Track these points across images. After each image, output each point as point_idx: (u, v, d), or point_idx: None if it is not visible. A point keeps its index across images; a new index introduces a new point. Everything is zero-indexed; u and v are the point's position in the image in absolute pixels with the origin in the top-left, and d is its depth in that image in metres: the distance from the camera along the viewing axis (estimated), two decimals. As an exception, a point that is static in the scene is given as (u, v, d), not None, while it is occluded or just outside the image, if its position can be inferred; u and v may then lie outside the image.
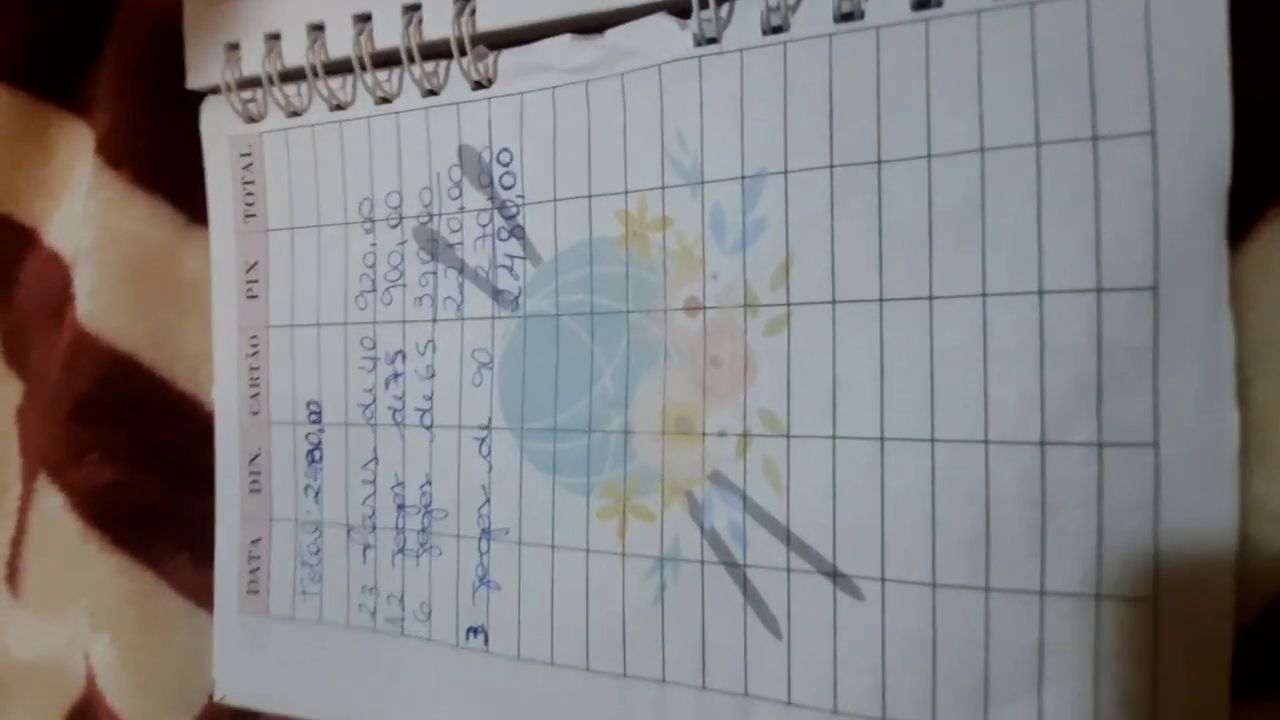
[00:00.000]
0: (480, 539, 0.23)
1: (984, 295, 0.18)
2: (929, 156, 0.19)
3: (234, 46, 0.26)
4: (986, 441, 0.18)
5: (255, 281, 0.27)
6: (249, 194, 0.27)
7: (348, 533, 0.25)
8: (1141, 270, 0.17)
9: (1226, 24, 0.16)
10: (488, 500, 0.23)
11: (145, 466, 0.28)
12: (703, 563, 0.21)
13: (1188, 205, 0.17)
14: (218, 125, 0.27)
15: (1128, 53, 0.17)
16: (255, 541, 0.27)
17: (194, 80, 0.27)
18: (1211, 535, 0.17)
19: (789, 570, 0.20)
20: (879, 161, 0.19)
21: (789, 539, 0.20)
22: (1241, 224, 0.17)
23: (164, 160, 0.28)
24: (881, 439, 0.19)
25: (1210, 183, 0.17)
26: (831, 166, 0.19)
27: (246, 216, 0.27)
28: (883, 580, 0.19)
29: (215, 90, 0.27)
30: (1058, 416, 0.17)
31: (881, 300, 0.19)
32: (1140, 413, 0.17)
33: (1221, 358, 0.17)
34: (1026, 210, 0.18)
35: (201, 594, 0.28)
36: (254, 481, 0.27)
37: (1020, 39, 0.18)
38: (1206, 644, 0.17)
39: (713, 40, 0.21)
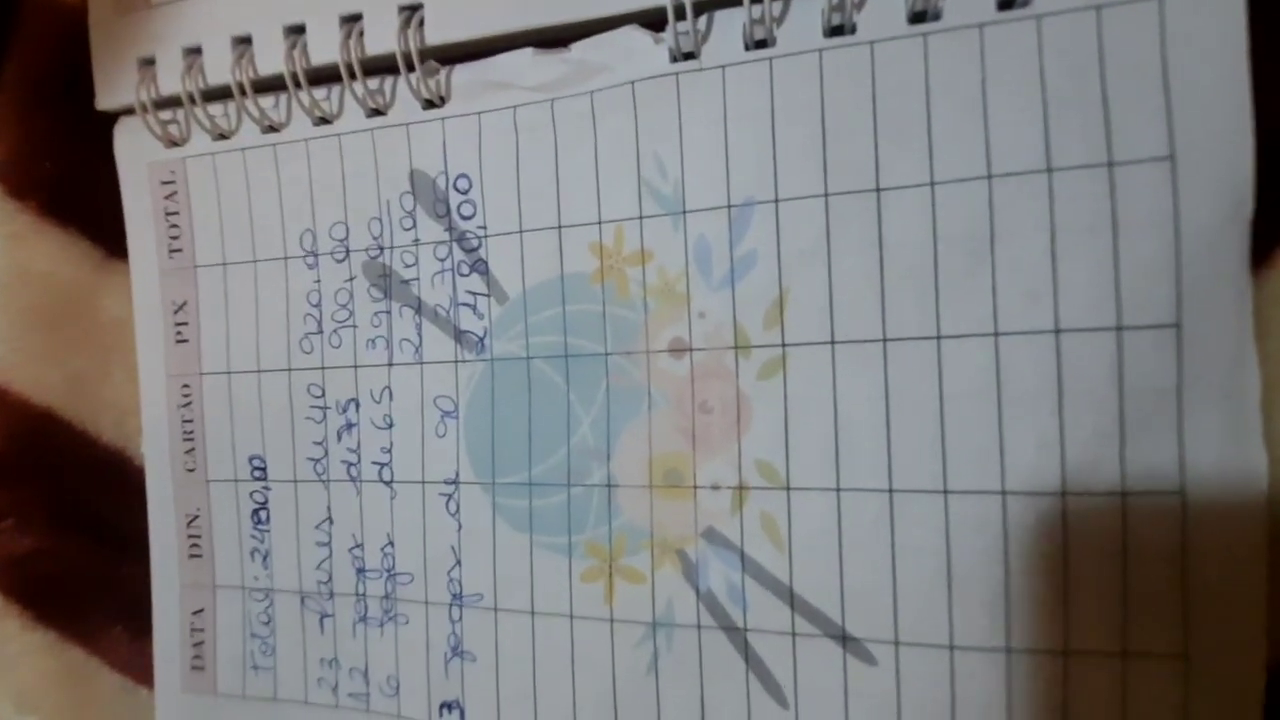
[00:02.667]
0: (451, 605, 0.21)
1: (996, 334, 0.17)
2: (932, 184, 0.17)
3: (149, 62, 0.23)
4: (1004, 492, 0.17)
5: (185, 324, 0.24)
6: (173, 226, 0.24)
7: (302, 600, 0.23)
8: (1164, 306, 0.16)
9: (1246, 40, 0.15)
10: (458, 563, 0.21)
11: (69, 531, 0.26)
12: (699, 627, 0.19)
13: (1210, 236, 0.16)
14: (134, 150, 0.24)
15: (1143, 71, 0.16)
16: (198, 612, 0.24)
17: (104, 100, 0.24)
18: (1242, 585, 0.16)
19: (794, 634, 0.18)
20: (878, 189, 0.17)
21: (793, 600, 0.18)
22: (1260, 250, 0.16)
23: (75, 189, 0.25)
24: (890, 491, 0.17)
25: (1233, 212, 0.15)
26: (826, 195, 0.18)
27: (172, 251, 0.24)
28: (896, 643, 0.17)
29: (130, 111, 0.24)
30: (1079, 464, 0.16)
31: (885, 340, 0.17)
32: (1166, 459, 0.16)
33: (1248, 399, 0.16)
34: (1040, 242, 0.16)
35: (140, 670, 0.25)
36: (194, 545, 0.24)
37: (1027, 55, 0.16)
38: (1239, 700, 0.16)
39: (690, 56, 0.19)
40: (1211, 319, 0.16)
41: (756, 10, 0.18)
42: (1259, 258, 0.16)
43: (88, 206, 0.25)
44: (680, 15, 0.18)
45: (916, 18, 0.17)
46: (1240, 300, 0.16)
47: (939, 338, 0.17)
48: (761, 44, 0.18)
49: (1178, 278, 0.16)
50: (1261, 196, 0.16)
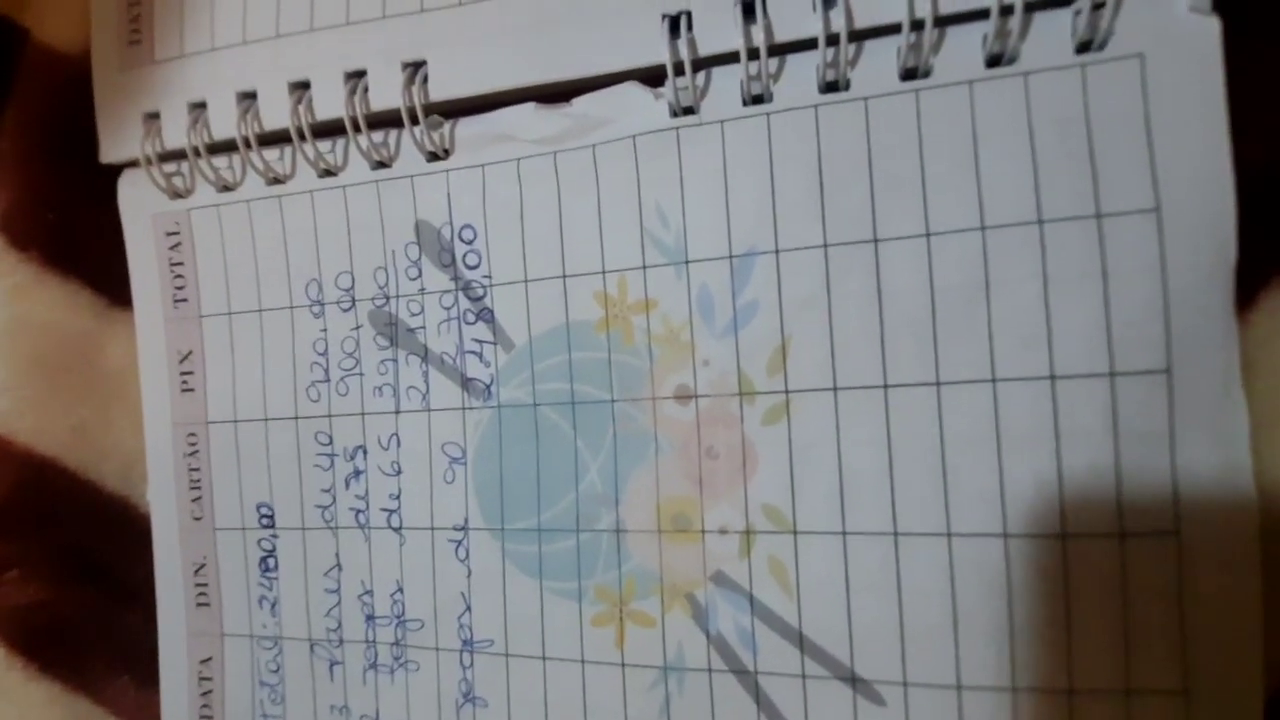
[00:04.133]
0: (462, 651, 0.21)
1: (994, 380, 0.17)
2: (928, 235, 0.18)
3: (154, 116, 0.23)
4: (1005, 535, 0.17)
5: (190, 373, 0.24)
6: (178, 276, 0.24)
7: (311, 648, 0.23)
8: (1154, 352, 0.16)
9: (1224, 95, 0.16)
10: (468, 608, 0.21)
11: (74, 581, 0.25)
12: (710, 671, 0.19)
13: (1196, 284, 0.16)
14: (138, 201, 0.24)
15: (1127, 125, 0.16)
16: (205, 661, 0.24)
17: (108, 154, 0.24)
18: (1238, 621, 0.16)
19: (804, 677, 0.18)
20: (875, 240, 0.18)
21: (802, 643, 0.18)
22: (1244, 293, 0.17)
23: (78, 239, 0.26)
24: (895, 534, 0.18)
25: (1217, 259, 0.16)
26: (825, 246, 0.18)
27: (176, 302, 0.24)
28: (905, 684, 0.18)
29: (134, 163, 0.24)
30: (1077, 506, 0.17)
31: (886, 386, 0.18)
32: (1160, 500, 0.16)
33: (1237, 439, 0.16)
34: (1033, 291, 0.17)
35: (147, 720, 0.25)
36: (201, 594, 0.24)
37: (1015, 111, 0.17)
38: (1239, 734, 0.16)
39: (689, 110, 0.19)
40: (1200, 362, 0.16)
41: (753, 67, 0.18)
42: (1243, 301, 0.17)
43: (90, 256, 0.25)
44: (679, 72, 0.19)
45: (908, 75, 0.18)
46: (1227, 343, 0.16)
47: (938, 384, 0.17)
48: (759, 99, 0.19)
49: (1166, 323, 0.16)
50: (1244, 243, 0.16)
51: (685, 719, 0.19)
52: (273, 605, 0.23)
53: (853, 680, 0.18)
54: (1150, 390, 0.16)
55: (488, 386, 0.21)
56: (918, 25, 0.17)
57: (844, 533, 0.18)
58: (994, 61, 0.17)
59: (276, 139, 0.23)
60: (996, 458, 0.17)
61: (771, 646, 0.19)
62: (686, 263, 0.19)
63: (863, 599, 0.18)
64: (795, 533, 0.18)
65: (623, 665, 0.20)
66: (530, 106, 0.20)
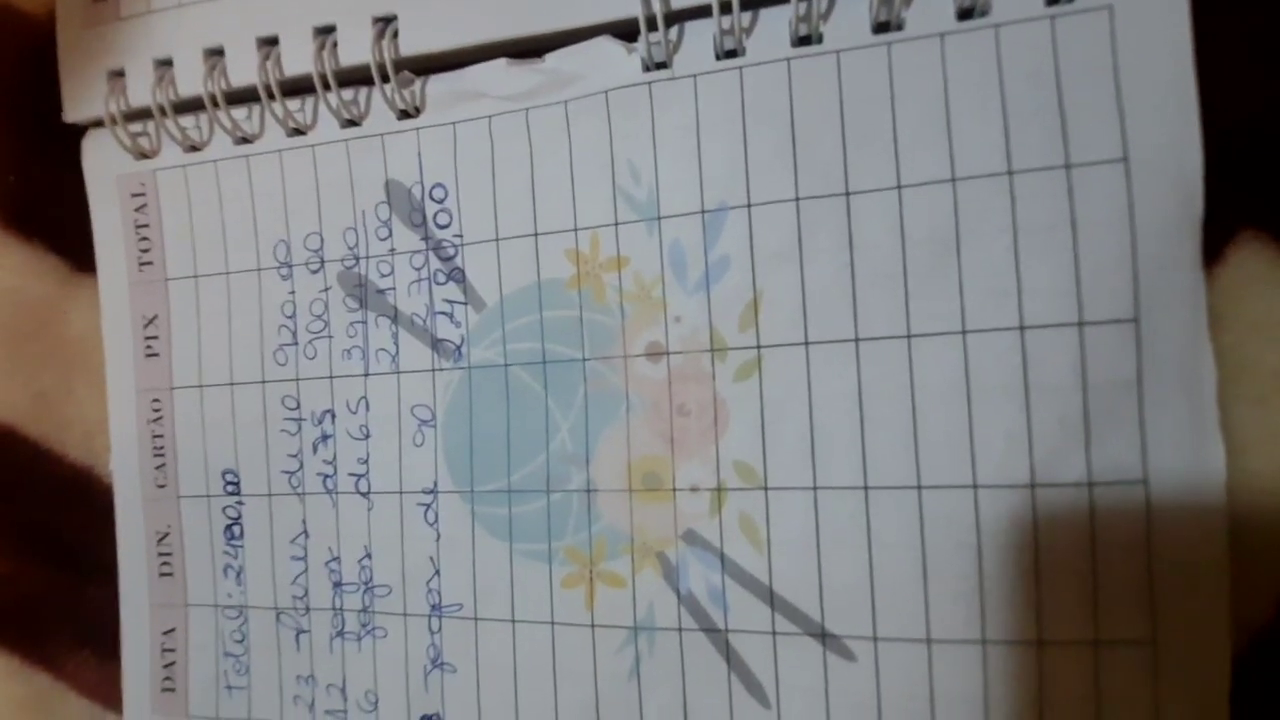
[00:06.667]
0: (430, 616, 0.21)
1: (964, 332, 0.17)
2: (899, 187, 0.18)
3: (118, 74, 0.23)
4: (975, 486, 0.17)
5: (155, 338, 0.24)
6: (143, 239, 0.24)
7: (277, 616, 0.22)
8: (1122, 302, 0.16)
9: (1192, 47, 0.16)
10: (437, 572, 0.21)
11: (34, 553, 0.25)
12: (680, 630, 0.19)
13: (1163, 234, 0.16)
14: (103, 162, 0.24)
15: (1096, 76, 0.16)
16: (168, 632, 0.24)
17: (72, 113, 0.24)
18: (1204, 572, 0.16)
19: (774, 634, 0.18)
20: (847, 193, 0.18)
21: (773, 600, 0.18)
22: (1211, 247, 0.17)
23: (41, 202, 0.25)
24: (865, 488, 0.18)
25: (1184, 210, 0.16)
26: (797, 199, 0.18)
27: (141, 265, 0.24)
28: (875, 639, 0.17)
29: (98, 123, 0.23)
30: (1046, 457, 0.17)
31: (857, 340, 0.18)
32: (1128, 450, 0.16)
33: (1204, 390, 0.16)
34: (1003, 242, 0.17)
35: (108, 695, 0.24)
36: (164, 564, 0.24)
37: (986, 63, 0.17)
38: (1206, 685, 0.16)
39: (662, 65, 0.19)
40: (1168, 313, 0.16)
41: (726, 21, 0.18)
42: (1210, 255, 0.17)
43: (53, 220, 0.25)
44: (652, 26, 0.19)
45: (880, 28, 0.18)
46: (1194, 295, 0.16)
47: (909, 336, 0.17)
48: (731, 54, 0.19)
49: (1134, 274, 0.16)
50: (1211, 196, 0.16)
51: (655, 679, 0.19)
52: (238, 574, 0.23)
53: (823, 636, 0.18)
54: (1118, 339, 0.16)
55: (458, 347, 0.21)
56: (889, -24, 0.17)
57: (814, 488, 0.18)
58: (965, 14, 0.17)
59: (244, 97, 0.22)
60: (966, 409, 0.17)
61: (742, 604, 0.18)
62: (658, 219, 0.19)
63: (833, 554, 0.18)
64: (766, 489, 0.18)
65: (593, 626, 0.20)
66: (502, 63, 0.20)
